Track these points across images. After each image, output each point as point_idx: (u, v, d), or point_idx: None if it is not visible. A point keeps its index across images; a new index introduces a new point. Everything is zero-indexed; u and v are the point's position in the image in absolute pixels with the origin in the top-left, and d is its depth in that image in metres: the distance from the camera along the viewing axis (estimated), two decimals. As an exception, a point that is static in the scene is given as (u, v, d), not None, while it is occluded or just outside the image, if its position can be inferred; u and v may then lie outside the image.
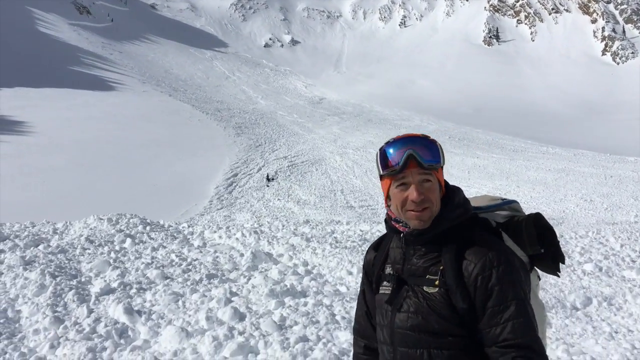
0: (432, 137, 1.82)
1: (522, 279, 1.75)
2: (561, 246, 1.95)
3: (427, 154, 1.76)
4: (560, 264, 1.94)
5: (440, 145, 1.81)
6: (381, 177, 1.84)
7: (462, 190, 1.88)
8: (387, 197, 1.85)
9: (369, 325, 2.03)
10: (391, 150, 1.78)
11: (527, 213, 1.98)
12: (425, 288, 1.77)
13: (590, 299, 6.76)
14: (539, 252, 1.89)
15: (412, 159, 1.74)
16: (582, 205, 24.71)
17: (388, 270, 1.91)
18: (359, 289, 7.10)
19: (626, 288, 7.21)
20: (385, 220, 1.92)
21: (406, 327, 1.78)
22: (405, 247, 1.84)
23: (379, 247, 2.01)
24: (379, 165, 1.81)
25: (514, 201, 2.04)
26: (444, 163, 1.80)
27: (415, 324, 1.76)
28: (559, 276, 2.08)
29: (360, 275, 7.64)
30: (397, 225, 1.85)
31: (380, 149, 1.82)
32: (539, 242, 1.88)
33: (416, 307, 1.77)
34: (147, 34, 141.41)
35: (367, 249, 2.08)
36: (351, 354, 4.83)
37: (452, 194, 1.85)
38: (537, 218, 1.92)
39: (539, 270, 1.98)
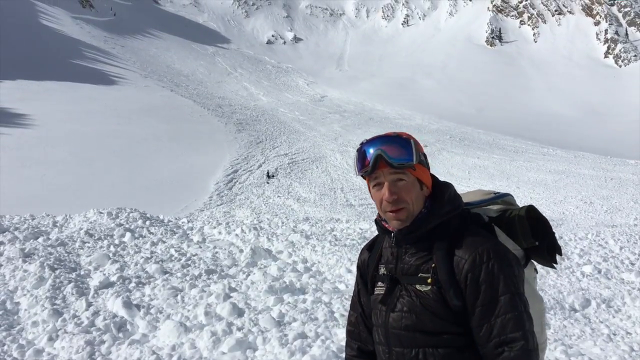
0: (409, 134, 1.81)
1: (514, 273, 1.72)
2: (560, 248, 1.93)
3: (396, 153, 1.74)
4: (557, 255, 1.92)
5: (415, 143, 1.78)
6: (363, 177, 1.84)
7: (452, 186, 1.86)
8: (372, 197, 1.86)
9: (363, 328, 2.00)
10: (364, 151, 1.78)
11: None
12: (418, 286, 1.76)
13: (589, 300, 6.77)
14: (534, 245, 1.87)
15: (381, 159, 1.74)
16: (581, 207, 24.69)
17: (382, 270, 1.89)
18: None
19: (625, 290, 7.22)
20: (376, 221, 1.91)
21: (400, 326, 1.77)
22: (396, 246, 1.83)
23: (372, 247, 2.00)
24: (355, 166, 1.82)
25: (507, 194, 2.02)
26: (418, 160, 1.77)
27: (410, 323, 1.75)
28: (555, 268, 2.07)
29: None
30: (386, 225, 1.84)
31: (357, 150, 1.82)
32: (533, 235, 1.86)
33: (410, 306, 1.76)
34: (149, 29, 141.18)
35: (360, 250, 2.07)
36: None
37: (441, 190, 1.83)
38: (530, 210, 1.90)
39: (535, 263, 1.96)
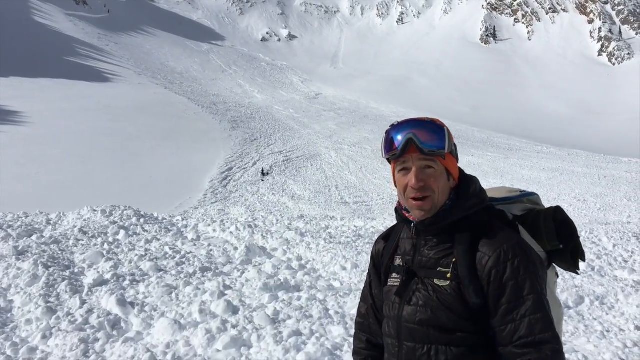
0: (442, 122, 1.74)
1: (538, 273, 1.65)
2: (584, 253, 1.87)
3: (428, 139, 1.67)
4: (581, 261, 1.85)
5: (448, 131, 1.71)
6: (388, 161, 1.78)
7: (478, 180, 1.80)
8: (395, 183, 1.79)
9: (374, 320, 1.94)
10: (394, 134, 1.71)
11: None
12: (436, 281, 1.69)
13: (583, 297, 6.79)
14: (558, 248, 1.80)
15: (412, 143, 1.67)
16: (575, 205, 24.79)
17: (398, 261, 1.82)
18: (352, 285, 7.02)
19: (618, 288, 7.24)
20: (396, 209, 1.83)
21: (414, 321, 1.70)
22: (416, 237, 1.76)
23: (388, 237, 1.92)
24: (383, 148, 1.75)
25: (534, 194, 1.94)
26: (449, 150, 1.71)
27: (424, 318, 1.68)
28: (578, 274, 2.00)
29: (354, 271, 7.67)
30: (407, 215, 1.77)
31: (386, 132, 1.75)
32: (557, 238, 1.79)
33: (425, 300, 1.69)
34: (143, 26, 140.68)
35: (376, 239, 2.00)
36: (344, 348, 4.84)
37: (467, 183, 1.77)
38: (557, 211, 1.83)
39: (557, 268, 1.89)
